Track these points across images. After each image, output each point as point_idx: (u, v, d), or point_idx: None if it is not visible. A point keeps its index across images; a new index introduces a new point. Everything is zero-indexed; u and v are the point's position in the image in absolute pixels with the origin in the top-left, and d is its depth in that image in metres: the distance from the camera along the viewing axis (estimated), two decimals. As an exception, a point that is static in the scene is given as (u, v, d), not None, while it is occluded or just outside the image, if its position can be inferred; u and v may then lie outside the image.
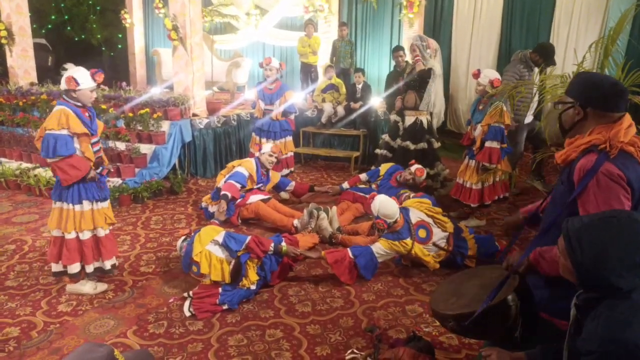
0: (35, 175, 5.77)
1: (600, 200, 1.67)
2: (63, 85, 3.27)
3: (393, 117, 5.76)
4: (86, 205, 3.40)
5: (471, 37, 8.13)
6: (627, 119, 1.76)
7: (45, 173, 5.79)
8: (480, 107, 4.77)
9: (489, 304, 1.80)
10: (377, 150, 6.07)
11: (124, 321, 3.14)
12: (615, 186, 1.66)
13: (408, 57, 5.87)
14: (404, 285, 3.62)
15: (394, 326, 3.08)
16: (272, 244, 3.47)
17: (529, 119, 5.41)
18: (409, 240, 3.68)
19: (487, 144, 4.60)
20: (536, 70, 5.34)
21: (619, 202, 1.65)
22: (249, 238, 3.38)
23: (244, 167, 4.75)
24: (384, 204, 3.73)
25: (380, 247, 3.69)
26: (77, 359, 1.94)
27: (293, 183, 5.30)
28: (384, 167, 5.36)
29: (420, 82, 5.37)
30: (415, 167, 4.98)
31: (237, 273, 3.29)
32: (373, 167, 6.46)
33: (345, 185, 5.47)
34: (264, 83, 5.60)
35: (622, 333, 1.30)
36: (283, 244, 3.54)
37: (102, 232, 3.50)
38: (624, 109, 1.76)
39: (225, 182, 4.62)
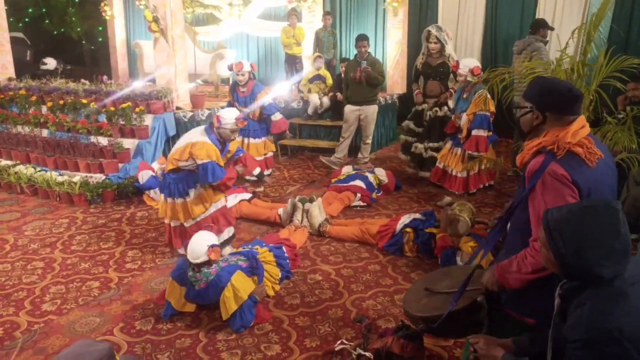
0: (16, 173, 5.64)
1: (547, 199, 1.69)
2: (212, 119, 3.74)
3: (421, 107, 5.77)
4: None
5: (457, 24, 8.14)
6: (580, 121, 1.79)
7: (26, 170, 5.68)
8: (465, 96, 4.79)
9: (454, 308, 1.87)
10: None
11: (110, 318, 3.10)
12: (560, 186, 1.69)
13: (423, 48, 5.83)
14: (392, 275, 3.63)
15: (383, 316, 3.09)
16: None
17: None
18: None
19: (474, 132, 4.61)
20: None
21: (564, 201, 1.66)
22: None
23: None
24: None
25: None
26: (76, 352, 1.91)
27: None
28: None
29: (440, 73, 5.47)
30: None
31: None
32: (360, 155, 6.50)
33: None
34: (237, 87, 5.49)
35: (605, 321, 1.30)
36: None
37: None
38: (578, 112, 1.82)
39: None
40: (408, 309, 2.09)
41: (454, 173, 4.85)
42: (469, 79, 4.65)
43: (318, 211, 4.37)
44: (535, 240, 1.71)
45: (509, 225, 1.97)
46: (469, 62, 4.78)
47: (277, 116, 5.54)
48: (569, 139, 1.72)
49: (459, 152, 4.81)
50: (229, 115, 3.72)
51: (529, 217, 1.79)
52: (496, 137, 4.80)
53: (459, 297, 1.90)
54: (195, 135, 3.68)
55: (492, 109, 4.58)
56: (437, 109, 5.51)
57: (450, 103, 5.51)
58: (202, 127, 3.77)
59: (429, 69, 5.58)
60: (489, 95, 4.54)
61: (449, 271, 2.37)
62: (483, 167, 4.74)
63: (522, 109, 1.90)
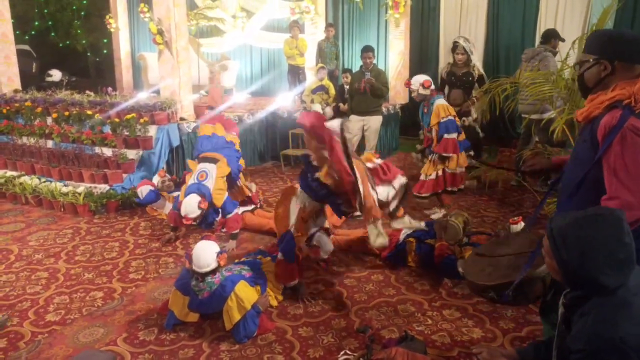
0: (21, 184, 5.68)
1: (627, 156, 1.63)
2: None
3: None
4: None
5: (459, 34, 8.18)
6: None
7: (31, 181, 5.72)
8: (425, 110, 4.89)
9: (528, 273, 1.80)
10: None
11: (114, 329, 3.10)
12: None
13: (449, 58, 6.02)
14: (395, 285, 3.62)
15: (387, 326, 3.08)
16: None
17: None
18: None
19: (445, 136, 4.71)
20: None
21: None
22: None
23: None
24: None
25: None
26: None
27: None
28: None
29: (464, 82, 5.71)
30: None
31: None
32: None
33: None
34: None
35: (609, 331, 1.30)
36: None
37: None
38: None
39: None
40: (475, 279, 2.01)
41: (422, 177, 4.91)
42: (421, 92, 4.76)
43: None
44: (611, 198, 1.64)
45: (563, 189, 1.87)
46: (419, 77, 4.88)
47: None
48: None
49: (430, 157, 4.90)
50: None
51: (597, 177, 1.70)
52: (468, 144, 4.88)
53: (532, 260, 1.83)
54: None
55: (453, 112, 4.73)
56: (465, 118, 5.67)
57: (473, 111, 5.76)
58: None
59: (454, 77, 5.83)
60: (444, 103, 4.70)
61: (503, 241, 2.34)
62: (457, 170, 4.80)
63: (584, 63, 1.83)
